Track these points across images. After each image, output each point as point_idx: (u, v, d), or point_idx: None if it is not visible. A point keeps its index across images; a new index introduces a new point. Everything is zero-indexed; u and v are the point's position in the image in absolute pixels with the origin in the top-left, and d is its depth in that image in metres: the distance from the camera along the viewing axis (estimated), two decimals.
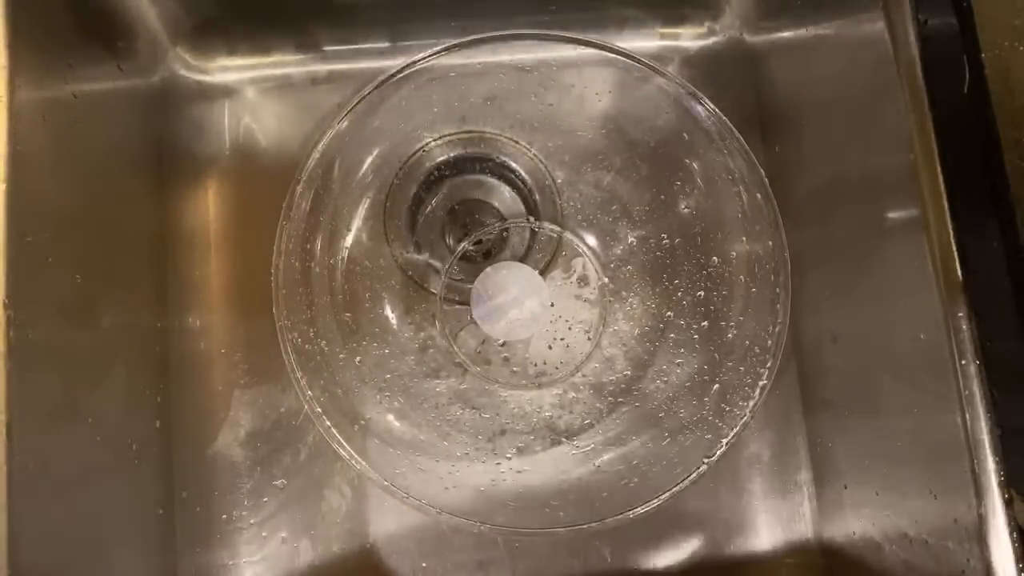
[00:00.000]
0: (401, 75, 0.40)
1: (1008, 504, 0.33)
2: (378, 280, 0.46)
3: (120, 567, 0.41)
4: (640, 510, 0.38)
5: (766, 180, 0.40)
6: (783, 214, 0.39)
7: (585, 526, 0.38)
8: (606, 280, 0.45)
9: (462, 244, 0.46)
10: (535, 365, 0.45)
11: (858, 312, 0.43)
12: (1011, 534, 0.33)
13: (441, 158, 0.47)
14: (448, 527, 0.48)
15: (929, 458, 0.37)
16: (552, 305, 0.44)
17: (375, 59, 0.52)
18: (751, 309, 0.41)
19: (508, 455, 0.43)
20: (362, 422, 0.41)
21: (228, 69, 0.52)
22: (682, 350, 0.43)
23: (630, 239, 0.46)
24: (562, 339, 0.45)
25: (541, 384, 0.45)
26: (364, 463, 0.38)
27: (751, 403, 0.39)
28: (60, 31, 0.39)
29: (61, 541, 0.35)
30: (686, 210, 0.44)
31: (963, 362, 0.34)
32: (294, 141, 0.51)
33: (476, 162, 0.48)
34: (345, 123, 0.40)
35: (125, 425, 0.43)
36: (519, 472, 0.42)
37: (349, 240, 0.45)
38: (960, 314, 0.34)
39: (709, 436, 0.40)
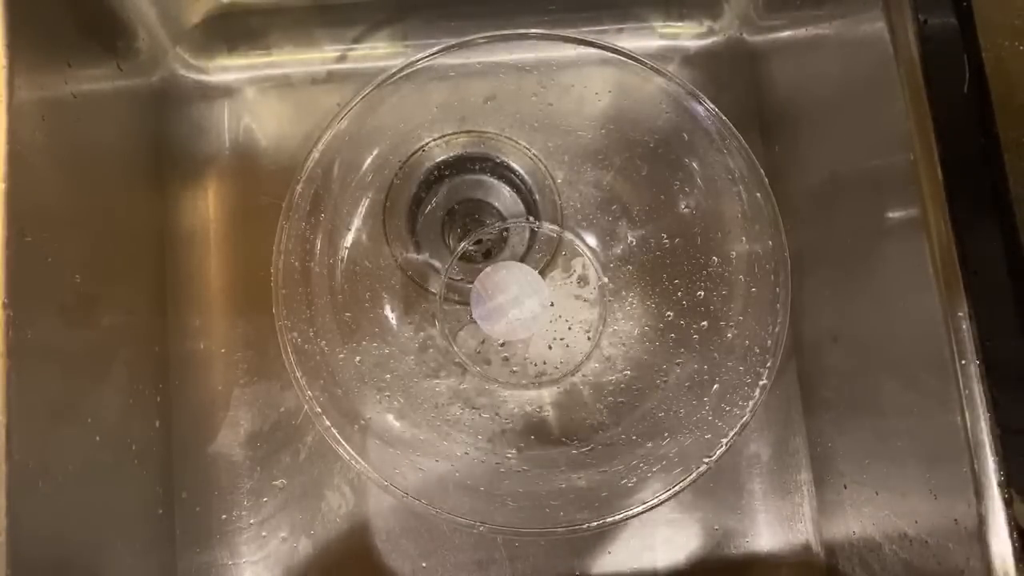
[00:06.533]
0: (401, 75, 0.40)
1: (1008, 504, 0.33)
2: (378, 280, 0.46)
3: (120, 567, 0.41)
4: (640, 510, 0.38)
5: (766, 180, 0.39)
6: (783, 214, 0.39)
7: (585, 526, 0.38)
8: (606, 280, 0.45)
9: (462, 244, 0.46)
10: (535, 365, 0.45)
11: (858, 312, 0.43)
12: (1011, 534, 0.33)
13: (441, 158, 0.47)
14: (448, 527, 0.48)
15: (929, 458, 0.37)
16: (552, 305, 0.44)
17: (375, 59, 0.52)
18: (751, 309, 0.41)
19: (508, 455, 0.43)
20: (362, 422, 0.41)
21: (228, 69, 0.52)
22: (682, 350, 0.43)
23: (630, 239, 0.46)
24: (562, 339, 0.45)
25: (541, 384, 0.45)
26: (364, 463, 0.38)
27: (751, 403, 0.39)
28: (59, 31, 0.39)
29: (61, 541, 0.35)
30: (686, 210, 0.44)
31: (963, 362, 0.34)
32: (294, 141, 0.51)
33: (476, 162, 0.48)
34: (345, 123, 0.40)
35: (125, 425, 0.43)
36: (519, 472, 0.42)
37: (349, 240, 0.45)
38: (960, 314, 0.34)
39: (709, 436, 0.40)
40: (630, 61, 0.40)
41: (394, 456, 0.41)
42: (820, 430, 0.49)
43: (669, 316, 0.44)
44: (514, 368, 0.45)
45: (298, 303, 0.41)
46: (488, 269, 0.42)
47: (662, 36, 0.54)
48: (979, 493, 0.34)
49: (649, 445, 0.42)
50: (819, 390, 0.49)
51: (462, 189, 0.49)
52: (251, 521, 0.48)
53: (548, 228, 0.47)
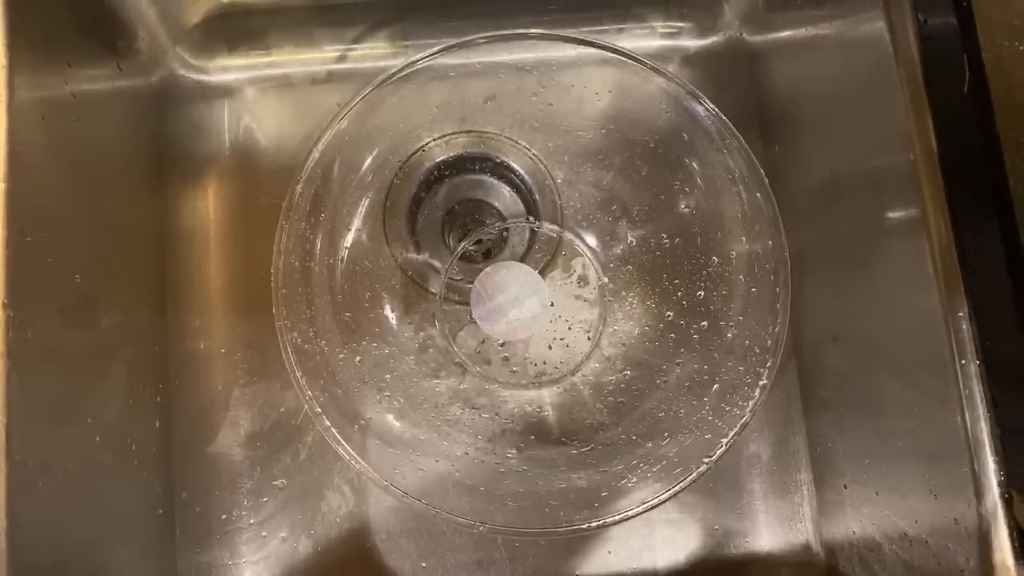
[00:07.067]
0: (401, 75, 0.40)
1: (1008, 504, 0.33)
2: (378, 280, 0.46)
3: (120, 567, 0.41)
4: (640, 510, 0.38)
5: (766, 180, 0.39)
6: (783, 214, 0.39)
7: (585, 526, 0.38)
8: (606, 280, 0.45)
9: (462, 244, 0.46)
10: (535, 365, 0.45)
11: (858, 312, 0.43)
12: (1011, 534, 0.33)
13: (441, 158, 0.47)
14: (448, 527, 0.48)
15: (929, 458, 0.37)
16: (552, 305, 0.44)
17: (375, 59, 0.52)
18: (751, 309, 0.41)
19: (508, 455, 0.43)
20: (362, 422, 0.41)
21: (228, 69, 0.52)
22: (682, 350, 0.43)
23: (630, 239, 0.46)
24: (562, 339, 0.45)
25: (541, 384, 0.45)
26: (364, 463, 0.38)
27: (751, 403, 0.39)
28: (59, 31, 0.39)
29: (61, 541, 0.35)
30: (686, 210, 0.44)
31: (963, 362, 0.34)
32: (294, 141, 0.51)
33: (476, 162, 0.48)
34: (345, 123, 0.40)
35: (125, 425, 0.43)
36: (519, 472, 0.42)
37: (349, 240, 0.45)
38: (960, 314, 0.34)
39: (709, 436, 0.40)
40: (630, 61, 0.40)
41: (394, 456, 0.41)
42: (820, 430, 0.49)
43: (669, 316, 0.44)
44: (514, 368, 0.45)
45: (298, 303, 0.41)
46: (488, 269, 0.42)
47: (662, 36, 0.54)
48: (979, 493, 0.34)
49: (649, 445, 0.42)
50: (819, 390, 0.49)
51: (462, 189, 0.49)
52: (251, 521, 0.48)
53: (548, 228, 0.47)
